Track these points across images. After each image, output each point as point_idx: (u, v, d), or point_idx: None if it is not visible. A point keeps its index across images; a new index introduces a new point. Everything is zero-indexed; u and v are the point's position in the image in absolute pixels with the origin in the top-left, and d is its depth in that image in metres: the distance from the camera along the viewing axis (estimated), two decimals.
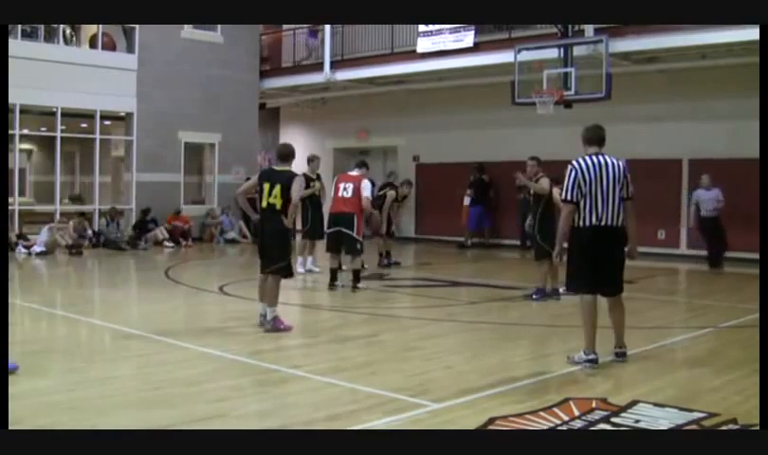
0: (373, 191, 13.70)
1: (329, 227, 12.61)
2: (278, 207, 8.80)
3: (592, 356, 7.22)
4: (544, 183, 11.49)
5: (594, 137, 7.53)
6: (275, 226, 8.87)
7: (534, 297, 11.48)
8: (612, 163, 7.28)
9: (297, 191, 8.81)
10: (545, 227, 11.30)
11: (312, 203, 14.11)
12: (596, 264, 7.24)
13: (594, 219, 7.16)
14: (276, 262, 8.92)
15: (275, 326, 8.83)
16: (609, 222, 7.17)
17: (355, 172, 12.68)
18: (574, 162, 7.30)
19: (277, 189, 8.79)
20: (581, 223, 7.23)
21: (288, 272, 9.07)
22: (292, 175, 8.96)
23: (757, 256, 16.42)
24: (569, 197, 7.23)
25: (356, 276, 12.41)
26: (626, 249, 7.47)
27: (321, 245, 14.34)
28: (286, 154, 9.20)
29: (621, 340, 7.55)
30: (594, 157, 7.31)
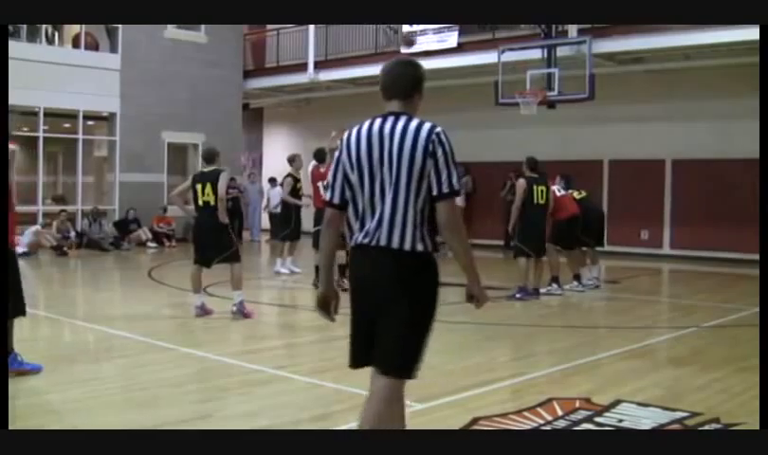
0: None
1: (315, 225, 12.60)
2: (211, 203, 9.61)
3: None
4: (521, 183, 11.67)
5: (388, 84, 4.08)
6: (212, 221, 9.67)
7: (516, 296, 11.51)
8: (405, 131, 3.86)
9: (222, 186, 9.61)
10: (520, 225, 11.71)
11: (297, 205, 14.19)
12: (362, 316, 4.03)
13: (358, 233, 3.98)
14: (224, 251, 9.72)
15: (240, 310, 9.62)
16: (383, 239, 3.84)
17: (325, 167, 12.59)
18: (344, 134, 4.09)
19: (208, 187, 9.62)
20: (349, 241, 4.08)
21: (238, 257, 9.86)
22: (218, 173, 9.74)
23: (742, 256, 16.58)
24: (328, 196, 4.05)
25: (343, 272, 12.39)
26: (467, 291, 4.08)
27: (300, 244, 14.45)
28: (210, 156, 9.98)
29: None
30: (375, 122, 3.96)
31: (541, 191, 11.62)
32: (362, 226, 3.93)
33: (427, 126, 3.88)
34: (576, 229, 12.44)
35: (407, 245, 3.81)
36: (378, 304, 3.90)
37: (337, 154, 4.02)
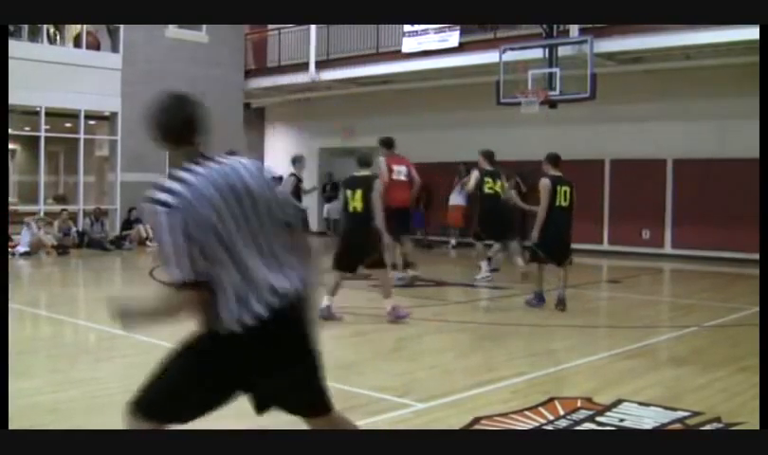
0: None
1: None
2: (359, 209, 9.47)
3: None
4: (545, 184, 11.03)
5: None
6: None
7: (534, 303, 10.74)
8: (243, 171, 3.42)
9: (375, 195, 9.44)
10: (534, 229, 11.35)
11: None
12: (227, 376, 3.64)
13: (253, 306, 3.24)
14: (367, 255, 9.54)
15: (397, 315, 9.32)
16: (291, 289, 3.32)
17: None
18: (170, 184, 3.25)
19: (358, 193, 9.45)
20: (223, 323, 3.36)
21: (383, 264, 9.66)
22: (373, 178, 9.64)
23: (742, 255, 16.57)
24: (182, 275, 3.26)
25: (407, 264, 12.56)
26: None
27: None
28: (365, 161, 9.84)
29: None
30: (210, 165, 3.49)
31: (565, 191, 10.43)
32: (237, 297, 3.25)
33: (247, 162, 3.50)
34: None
35: (298, 282, 3.36)
36: (276, 366, 3.50)
37: (169, 216, 3.15)
